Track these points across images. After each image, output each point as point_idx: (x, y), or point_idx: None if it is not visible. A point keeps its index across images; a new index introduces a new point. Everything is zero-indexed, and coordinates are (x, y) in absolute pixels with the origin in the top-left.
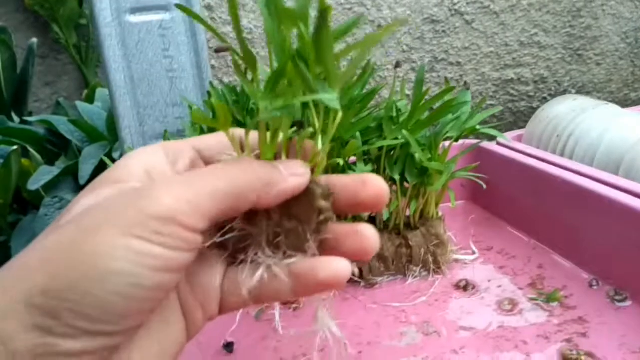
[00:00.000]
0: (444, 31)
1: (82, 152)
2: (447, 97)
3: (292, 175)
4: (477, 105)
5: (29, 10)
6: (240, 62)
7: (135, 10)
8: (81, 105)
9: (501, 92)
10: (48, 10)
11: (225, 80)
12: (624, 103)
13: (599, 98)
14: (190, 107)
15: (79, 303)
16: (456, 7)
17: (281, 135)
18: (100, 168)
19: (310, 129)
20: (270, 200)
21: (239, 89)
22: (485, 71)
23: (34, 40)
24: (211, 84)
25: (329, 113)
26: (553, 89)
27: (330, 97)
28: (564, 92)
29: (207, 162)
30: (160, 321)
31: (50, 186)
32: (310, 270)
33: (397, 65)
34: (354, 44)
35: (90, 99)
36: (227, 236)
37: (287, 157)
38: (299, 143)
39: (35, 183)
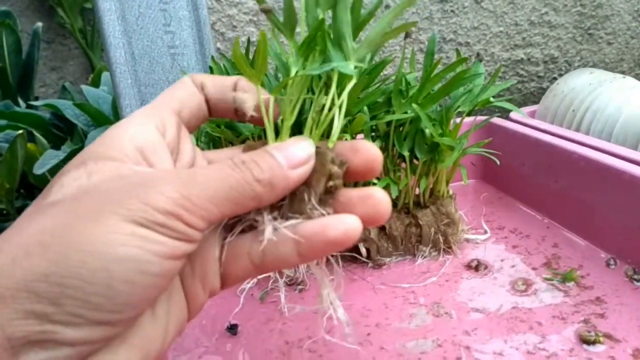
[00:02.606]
0: (452, 11)
1: (87, 136)
2: (458, 69)
3: (293, 168)
4: (492, 77)
5: None
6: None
7: None
8: (87, 89)
9: (511, 73)
10: None
11: None
12: None
13: None
14: None
15: (84, 291)
16: None
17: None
18: None
19: (325, 97)
20: (272, 199)
21: None
22: (495, 51)
23: (39, 24)
24: (213, 58)
25: (343, 81)
26: (563, 69)
27: (346, 65)
28: None
29: (186, 123)
30: (163, 305)
31: (57, 170)
32: (321, 229)
33: (407, 35)
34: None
35: (95, 83)
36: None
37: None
38: (314, 109)
39: (41, 167)
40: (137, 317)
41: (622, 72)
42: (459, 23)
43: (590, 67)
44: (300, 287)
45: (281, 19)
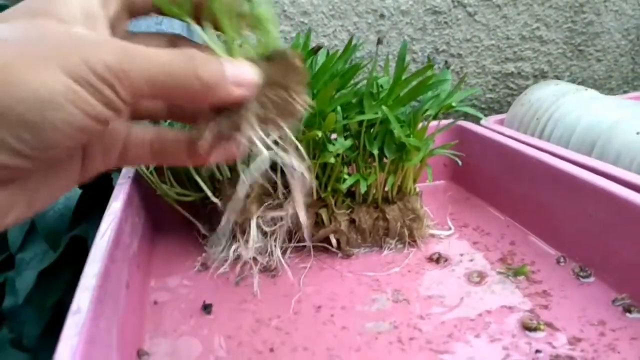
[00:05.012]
0: (445, 22)
1: None
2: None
3: (236, 85)
4: (457, 83)
5: None
6: None
7: None
8: None
9: (501, 86)
10: None
11: None
12: None
13: None
14: None
15: (16, 123)
16: None
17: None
18: None
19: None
20: (206, 104)
21: None
22: (486, 64)
23: None
24: None
25: None
26: None
27: None
28: None
29: (134, 11)
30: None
31: None
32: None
33: (379, 41)
34: None
35: None
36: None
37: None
38: (248, 16)
39: None
40: (49, 162)
41: (611, 89)
42: (452, 35)
43: (579, 82)
44: (273, 273)
45: None
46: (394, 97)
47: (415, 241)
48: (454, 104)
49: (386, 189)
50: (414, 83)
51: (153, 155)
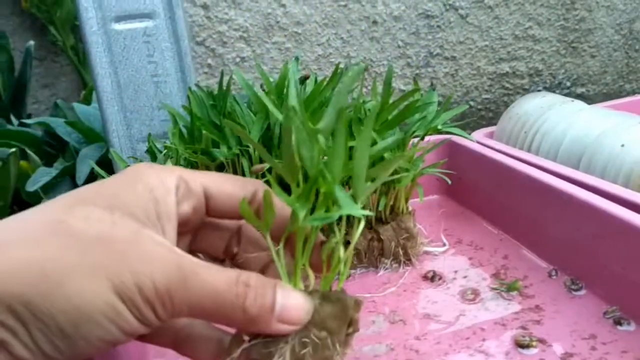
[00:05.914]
0: (438, 26)
1: (79, 153)
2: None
3: (282, 322)
4: (443, 105)
5: (26, 13)
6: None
7: (120, 19)
8: (78, 106)
9: (496, 86)
10: (45, 13)
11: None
12: (619, 94)
13: (594, 90)
14: (171, 115)
15: (50, 330)
16: (450, 2)
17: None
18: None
19: (335, 239)
20: (243, 330)
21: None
22: (481, 65)
23: (31, 42)
24: (189, 89)
25: (351, 222)
26: (548, 81)
27: (355, 209)
28: (559, 84)
29: (211, 211)
30: None
31: (49, 187)
32: None
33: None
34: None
35: (87, 100)
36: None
37: (313, 264)
38: (324, 252)
39: (33, 184)
40: None
41: (606, 84)
42: (445, 38)
43: (574, 79)
44: None
45: None
46: (381, 121)
47: (410, 260)
48: (439, 127)
49: (379, 209)
50: (401, 107)
51: (175, 345)
